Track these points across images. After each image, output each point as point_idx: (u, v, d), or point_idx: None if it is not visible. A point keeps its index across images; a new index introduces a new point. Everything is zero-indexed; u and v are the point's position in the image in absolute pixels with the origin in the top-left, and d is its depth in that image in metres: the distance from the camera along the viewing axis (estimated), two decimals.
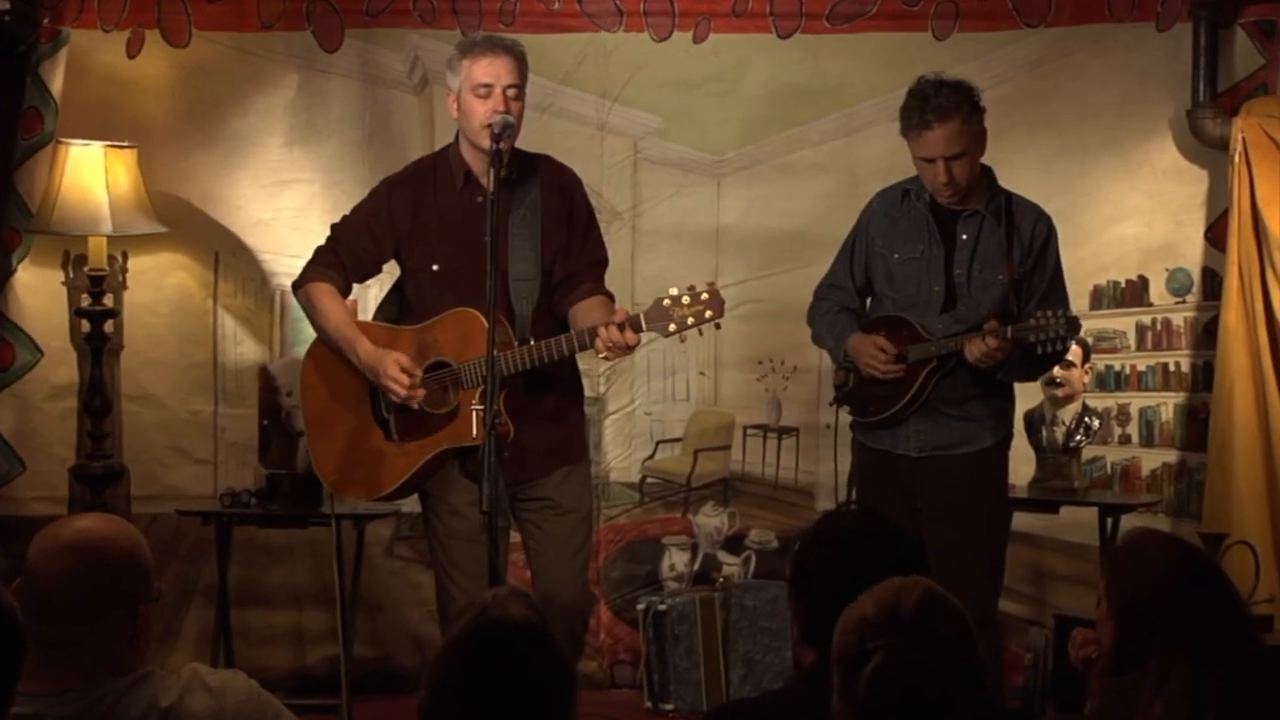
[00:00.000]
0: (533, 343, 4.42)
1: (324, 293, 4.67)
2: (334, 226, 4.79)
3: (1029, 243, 4.86)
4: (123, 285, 6.16)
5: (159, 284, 6.23)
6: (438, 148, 4.95)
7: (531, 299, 4.57)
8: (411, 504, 5.98)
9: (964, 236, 4.87)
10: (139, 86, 6.17)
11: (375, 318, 4.81)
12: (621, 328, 4.26)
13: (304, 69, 6.23)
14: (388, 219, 4.66)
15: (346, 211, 4.82)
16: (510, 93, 4.49)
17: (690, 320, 4.25)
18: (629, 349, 4.32)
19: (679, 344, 5.56)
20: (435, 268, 4.59)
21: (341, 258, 4.70)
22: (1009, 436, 5.03)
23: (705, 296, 4.27)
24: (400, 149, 6.07)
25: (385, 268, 4.84)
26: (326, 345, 4.69)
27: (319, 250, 4.76)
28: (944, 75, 4.81)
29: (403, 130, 6.24)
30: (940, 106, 4.70)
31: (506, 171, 4.45)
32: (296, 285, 4.77)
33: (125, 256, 6.16)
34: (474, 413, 4.38)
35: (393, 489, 4.65)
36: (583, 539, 4.70)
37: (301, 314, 4.96)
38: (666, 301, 4.27)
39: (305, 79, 6.24)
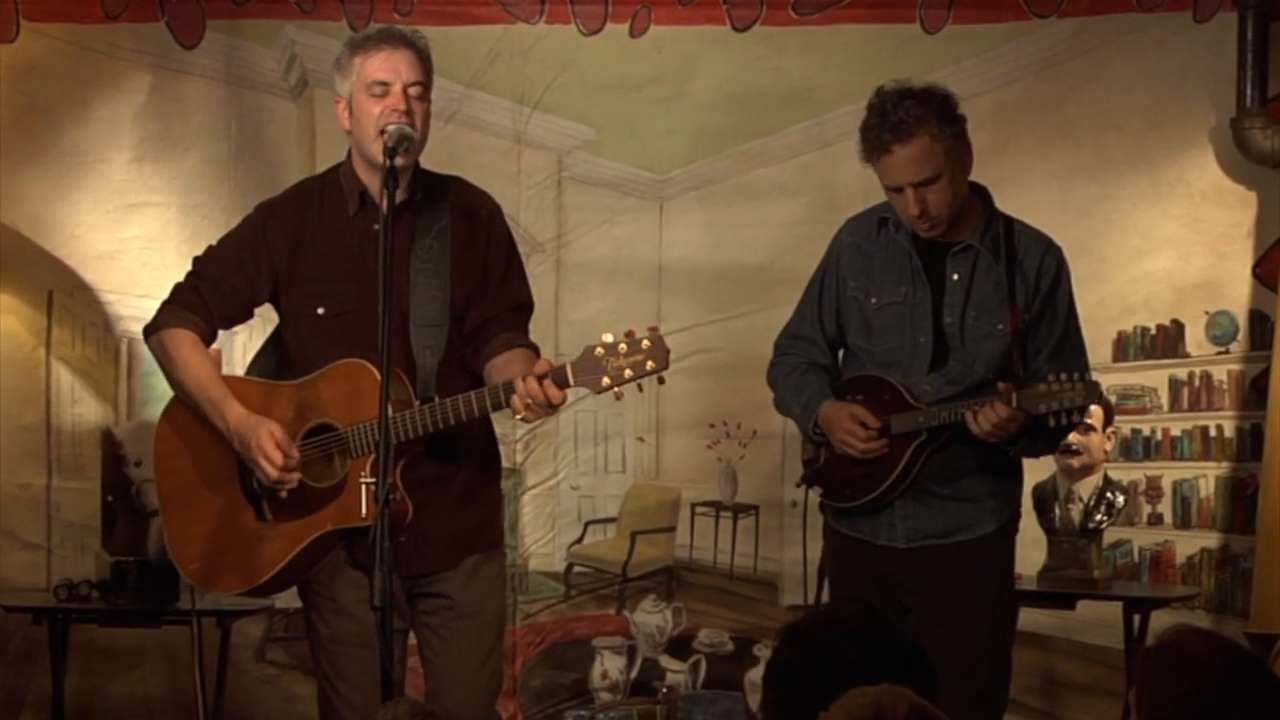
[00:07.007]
0: (437, 401, 4.15)
1: (183, 341, 4.36)
2: (196, 260, 4.48)
3: (1035, 282, 4.57)
4: None
5: None
6: (320, 163, 4.95)
7: (437, 349, 4.29)
8: (288, 598, 5.80)
9: (955, 276, 4.57)
10: None
11: (249, 374, 4.53)
12: (542, 380, 3.99)
13: (157, 68, 6.09)
14: (264, 251, 4.37)
15: (212, 242, 4.53)
16: (413, 91, 4.25)
17: (628, 373, 3.98)
18: (552, 408, 4.05)
19: (613, 404, 5.34)
20: (321, 311, 4.32)
21: (206, 298, 4.40)
22: (1015, 518, 4.71)
23: (646, 344, 3.99)
24: (274, 165, 5.99)
25: (259, 311, 4.53)
26: (185, 405, 4.42)
27: (178, 288, 4.45)
28: (909, 83, 4.51)
29: (277, 142, 6.11)
30: (900, 123, 4.40)
31: (408, 192, 4.27)
32: (149, 330, 4.45)
33: None
34: (364, 487, 4.14)
35: (265, 579, 4.33)
36: (488, 650, 4.42)
37: (154, 367, 4.62)
38: (599, 350, 3.99)
39: (159, 80, 6.10)
